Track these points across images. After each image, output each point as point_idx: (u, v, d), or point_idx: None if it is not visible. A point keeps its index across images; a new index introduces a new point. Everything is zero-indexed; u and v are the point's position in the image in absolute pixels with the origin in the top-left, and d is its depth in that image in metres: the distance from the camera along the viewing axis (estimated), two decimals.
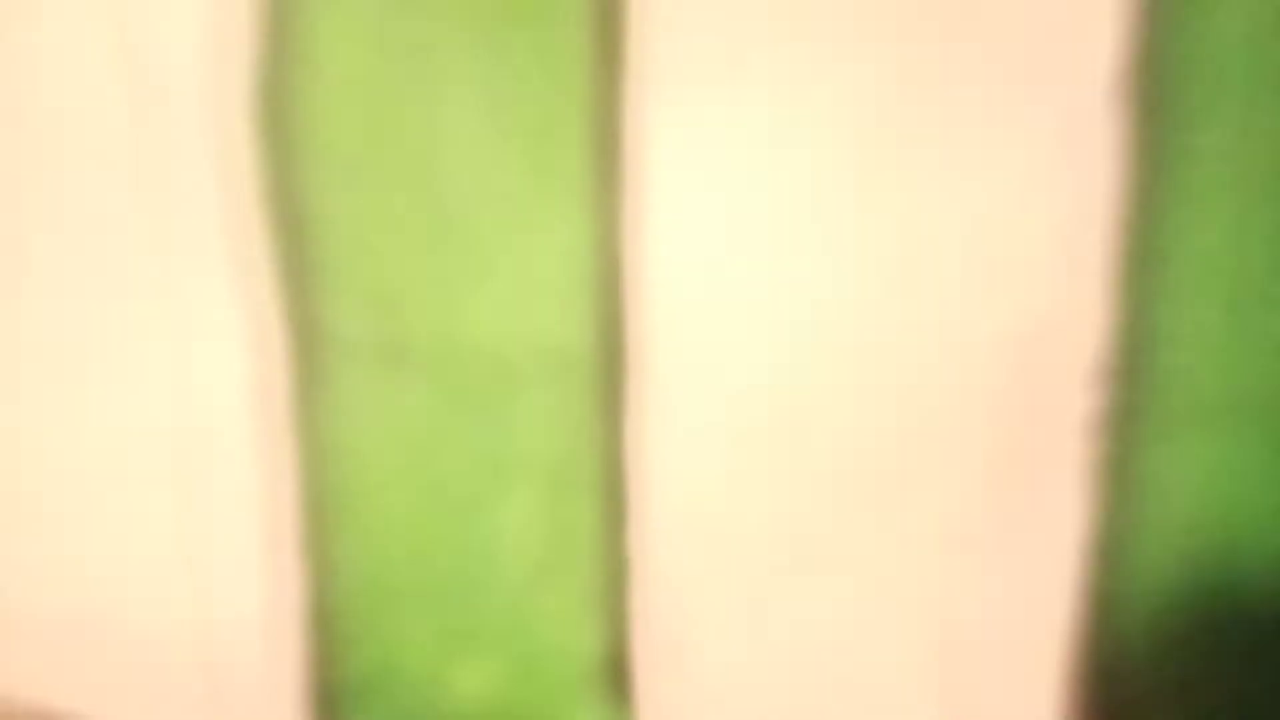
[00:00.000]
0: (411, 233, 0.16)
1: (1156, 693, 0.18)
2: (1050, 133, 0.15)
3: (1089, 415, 0.15)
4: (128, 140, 0.16)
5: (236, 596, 0.17)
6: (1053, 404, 0.15)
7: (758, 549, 0.17)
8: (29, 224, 0.18)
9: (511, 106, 0.16)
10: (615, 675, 0.16)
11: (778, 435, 0.17)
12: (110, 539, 0.18)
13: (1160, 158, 0.15)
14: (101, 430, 0.18)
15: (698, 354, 0.16)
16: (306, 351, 0.16)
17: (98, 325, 0.18)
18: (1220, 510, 0.17)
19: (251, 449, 0.17)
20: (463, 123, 0.16)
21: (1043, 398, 0.15)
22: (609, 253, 0.16)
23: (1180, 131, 0.16)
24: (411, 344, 0.16)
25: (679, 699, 0.16)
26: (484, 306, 0.16)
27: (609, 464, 0.16)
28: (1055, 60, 0.15)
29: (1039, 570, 0.18)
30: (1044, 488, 0.15)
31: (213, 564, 0.18)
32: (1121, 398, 0.15)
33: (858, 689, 0.18)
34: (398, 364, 0.16)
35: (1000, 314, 0.16)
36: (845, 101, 0.15)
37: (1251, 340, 0.17)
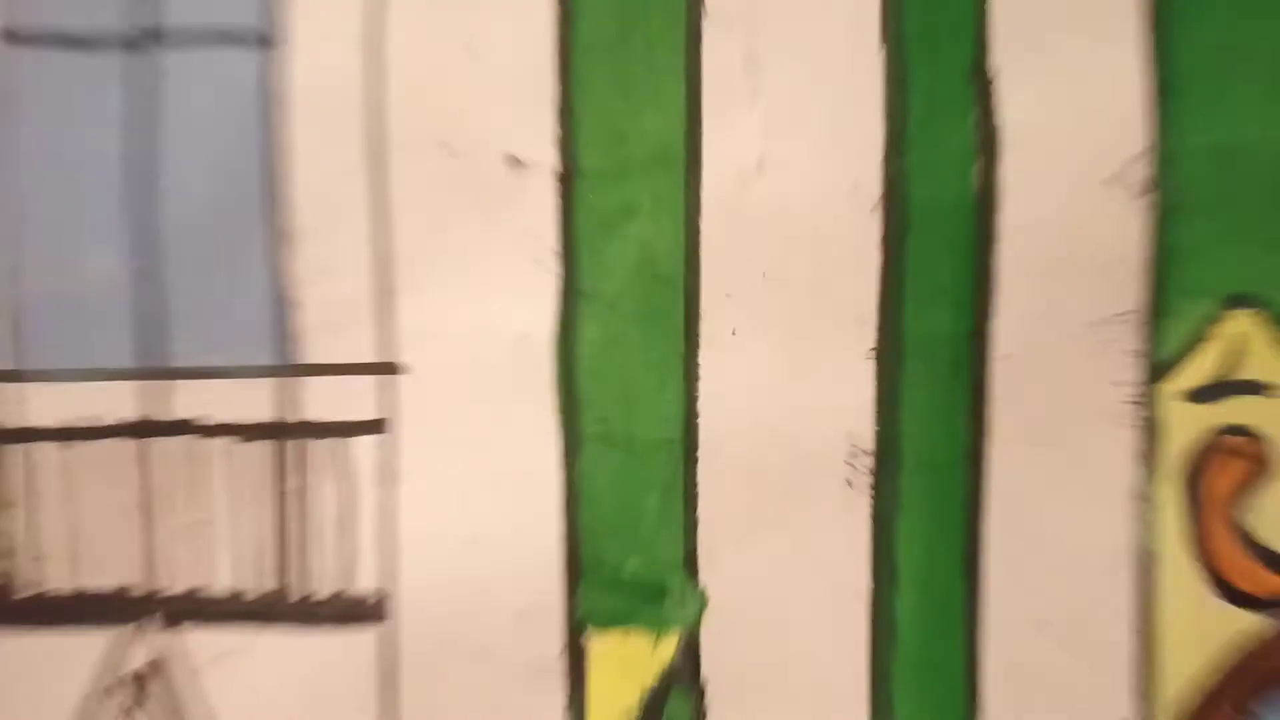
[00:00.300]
0: (612, 394, 0.38)
1: None
2: None
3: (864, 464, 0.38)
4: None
5: (536, 537, 0.39)
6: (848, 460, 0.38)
7: (752, 520, 0.39)
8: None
9: (650, 346, 0.38)
10: (691, 566, 0.39)
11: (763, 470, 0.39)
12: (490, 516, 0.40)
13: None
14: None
15: (727, 441, 0.39)
16: (571, 439, 0.39)
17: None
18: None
19: (547, 478, 0.39)
20: (633, 352, 0.38)
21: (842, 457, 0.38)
22: (692, 398, 0.38)
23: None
24: (614, 436, 0.39)
25: (715, 579, 0.39)
26: (640, 421, 0.39)
27: (690, 483, 0.39)
28: None
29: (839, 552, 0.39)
30: (838, 502, 0.39)
31: (529, 527, 0.39)
32: (879, 457, 0.38)
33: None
34: (608, 444, 0.39)
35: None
36: None
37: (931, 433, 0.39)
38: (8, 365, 0.39)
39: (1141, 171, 0.37)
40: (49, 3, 0.39)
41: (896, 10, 0.38)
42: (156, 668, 0.40)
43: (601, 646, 0.40)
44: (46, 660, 0.40)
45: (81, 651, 0.40)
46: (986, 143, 0.38)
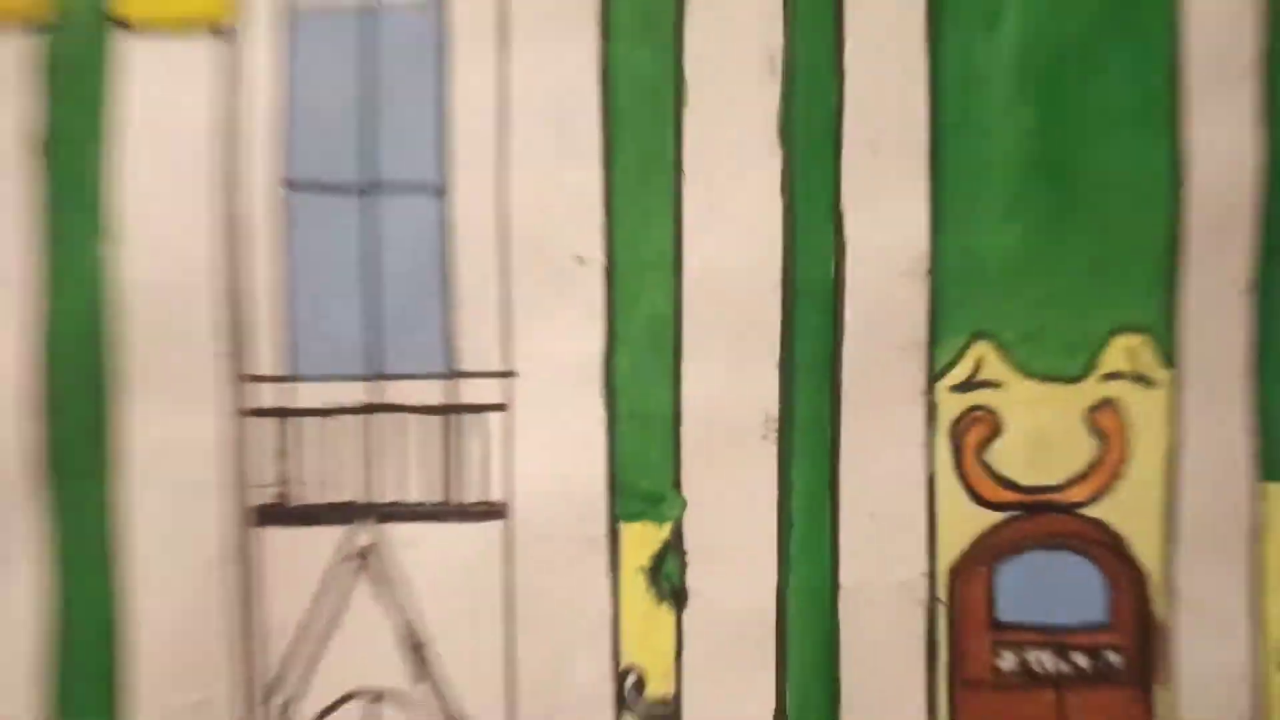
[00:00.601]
0: (634, 391, 0.54)
1: None
2: None
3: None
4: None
5: (591, 471, 0.55)
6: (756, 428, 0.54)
7: (711, 458, 0.55)
8: None
9: (656, 365, 0.55)
10: (678, 485, 0.54)
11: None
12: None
13: None
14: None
15: (699, 415, 0.55)
16: (611, 418, 0.54)
17: None
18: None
19: (596, 440, 0.56)
20: (646, 368, 0.54)
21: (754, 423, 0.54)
22: (678, 392, 0.55)
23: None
24: (636, 415, 0.54)
25: (692, 492, 0.55)
26: (650, 406, 0.55)
27: (677, 438, 0.55)
28: None
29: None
30: (759, 448, 0.54)
31: (587, 466, 0.55)
32: (781, 422, 0.55)
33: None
34: (633, 420, 0.55)
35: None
36: None
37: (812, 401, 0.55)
38: (290, 372, 0.55)
39: (923, 264, 0.54)
40: (310, 161, 0.54)
41: (789, 176, 0.54)
42: (371, 549, 0.55)
43: (628, 531, 0.55)
44: (306, 545, 0.55)
45: (326, 540, 0.55)
46: (839, 249, 0.54)
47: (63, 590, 0.54)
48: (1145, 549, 0.54)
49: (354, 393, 0.56)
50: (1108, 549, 0.54)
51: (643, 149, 0.54)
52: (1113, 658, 0.54)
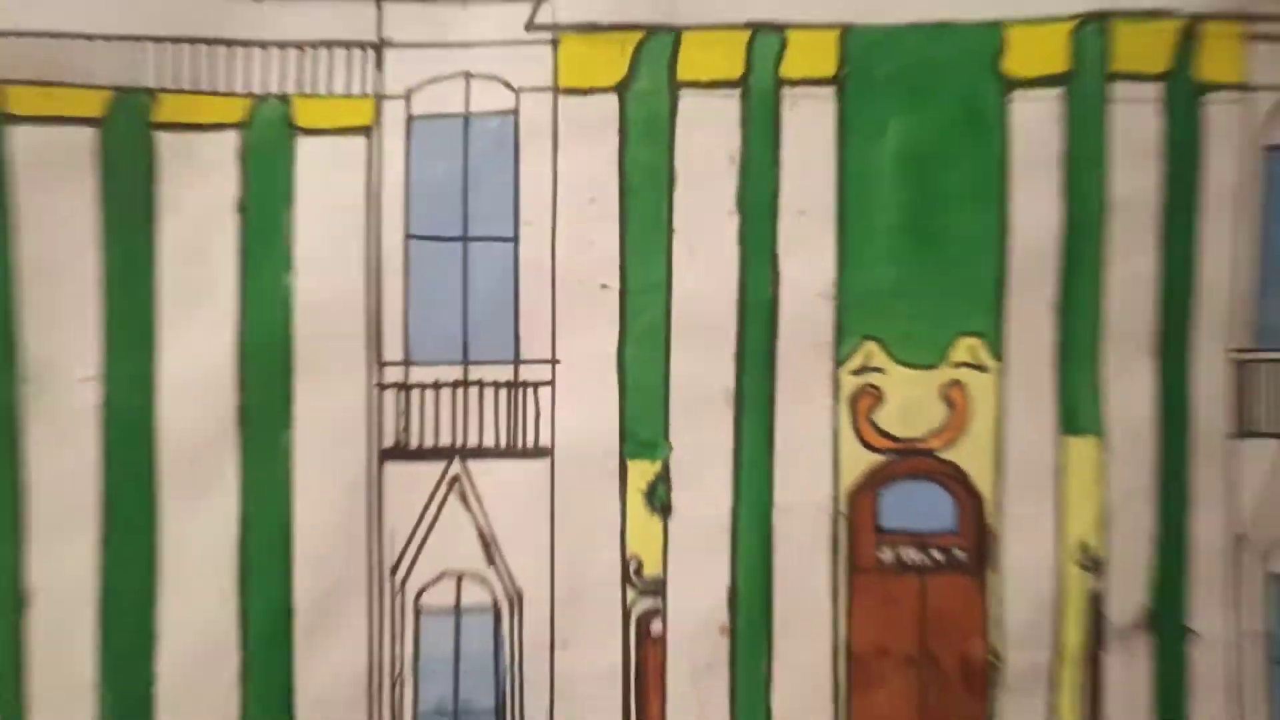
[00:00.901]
0: (638, 373, 0.70)
1: None
2: None
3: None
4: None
5: (607, 427, 0.70)
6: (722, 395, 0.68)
7: (688, 416, 0.70)
8: None
9: (654, 357, 0.72)
10: (666, 435, 0.70)
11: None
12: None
13: None
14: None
15: (684, 392, 0.72)
16: (623, 393, 0.70)
17: None
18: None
19: (612, 407, 0.73)
20: (646, 358, 0.71)
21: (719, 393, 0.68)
22: (668, 377, 0.70)
23: None
24: (641, 390, 0.70)
25: (676, 440, 0.70)
26: (648, 382, 0.70)
27: (667, 405, 0.69)
28: None
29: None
30: (721, 414, 0.70)
31: (603, 424, 0.71)
32: (736, 398, 0.69)
33: None
34: (638, 393, 0.70)
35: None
36: None
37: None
38: (408, 359, 0.70)
39: (832, 290, 0.68)
40: (426, 221, 0.69)
41: (743, 233, 0.68)
42: (459, 477, 0.69)
43: (632, 466, 0.70)
44: (416, 475, 0.70)
45: (429, 471, 0.70)
46: (775, 280, 0.68)
47: (250, 509, 0.69)
48: (982, 481, 0.68)
49: (451, 373, 0.70)
50: (956, 480, 0.68)
51: (646, 214, 0.69)
52: (959, 554, 0.67)
